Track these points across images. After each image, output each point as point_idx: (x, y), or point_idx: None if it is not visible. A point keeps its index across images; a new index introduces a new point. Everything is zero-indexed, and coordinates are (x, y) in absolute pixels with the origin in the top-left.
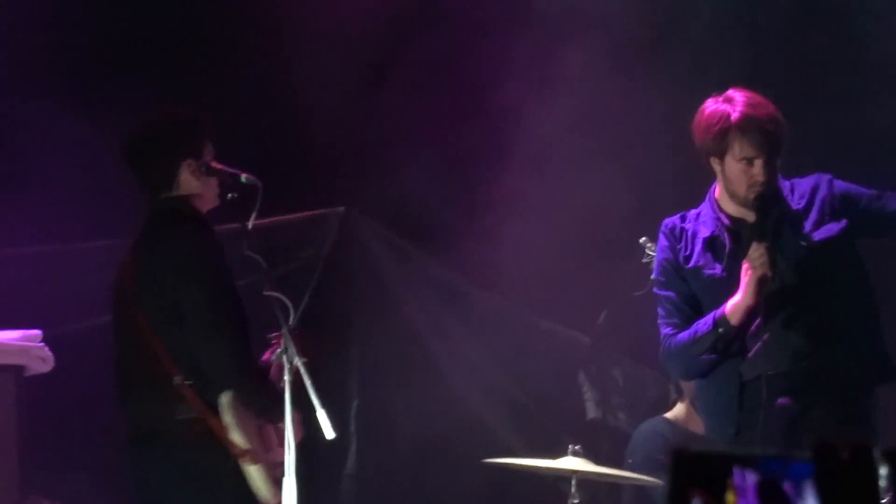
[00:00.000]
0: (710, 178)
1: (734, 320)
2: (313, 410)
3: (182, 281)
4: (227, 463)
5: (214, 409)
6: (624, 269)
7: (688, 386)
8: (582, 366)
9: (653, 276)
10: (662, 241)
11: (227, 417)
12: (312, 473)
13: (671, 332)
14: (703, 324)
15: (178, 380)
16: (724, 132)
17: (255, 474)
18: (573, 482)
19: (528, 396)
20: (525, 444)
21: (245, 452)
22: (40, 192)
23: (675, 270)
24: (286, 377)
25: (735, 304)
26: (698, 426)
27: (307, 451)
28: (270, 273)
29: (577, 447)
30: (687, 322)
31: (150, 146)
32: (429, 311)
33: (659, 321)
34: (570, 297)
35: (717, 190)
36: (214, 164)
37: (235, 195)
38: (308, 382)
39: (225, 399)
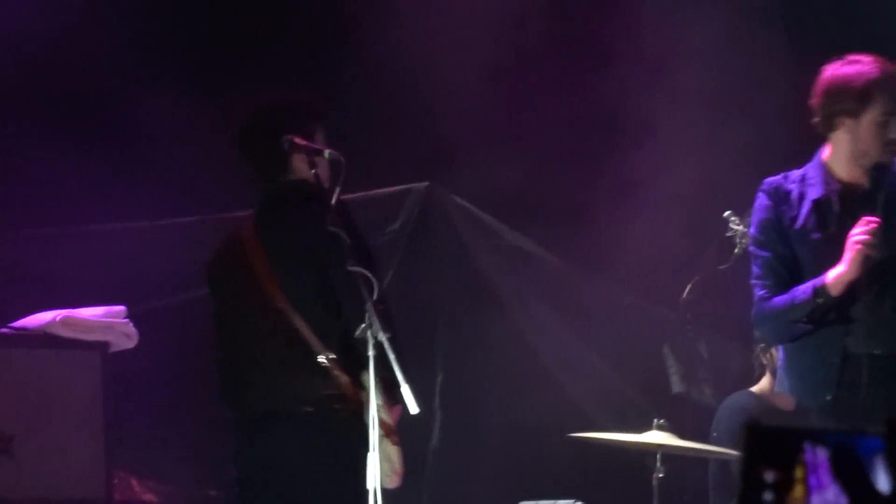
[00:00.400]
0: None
1: (834, 292)
2: (398, 385)
3: (330, 255)
4: (366, 441)
5: (360, 387)
6: (710, 243)
7: (772, 360)
8: (667, 340)
9: (750, 233)
10: (764, 199)
11: (376, 395)
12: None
13: (765, 294)
14: (802, 292)
15: (324, 356)
16: (867, 87)
17: (394, 455)
18: (658, 456)
19: (613, 371)
20: (610, 419)
21: (392, 431)
22: (136, 169)
23: (778, 231)
24: (370, 352)
25: (838, 276)
26: (783, 400)
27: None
28: (354, 249)
29: (661, 421)
30: (781, 285)
31: (259, 131)
32: (513, 287)
33: (753, 281)
34: (656, 272)
35: (828, 153)
36: (298, 140)
37: (318, 171)
38: (392, 357)
39: (371, 377)
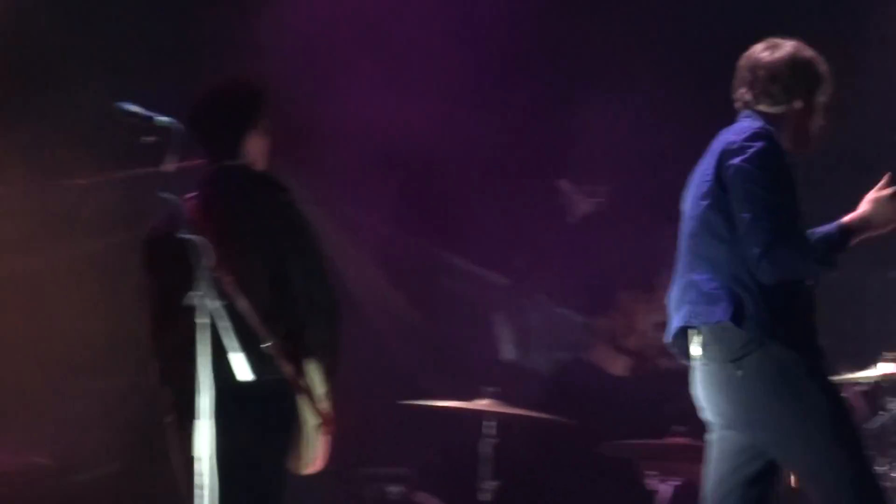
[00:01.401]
0: None
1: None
2: (227, 352)
3: (291, 238)
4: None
5: (303, 374)
6: (541, 210)
7: (605, 327)
8: (499, 307)
9: (768, 176)
10: (775, 146)
11: (318, 383)
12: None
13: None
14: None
15: (269, 342)
16: (825, 72)
17: (321, 445)
18: (489, 423)
19: (445, 338)
20: (442, 386)
21: (329, 420)
22: None
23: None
24: (202, 319)
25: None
26: (614, 367)
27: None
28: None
29: (492, 388)
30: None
31: (213, 113)
32: (346, 254)
33: (776, 221)
34: (488, 238)
35: (771, 127)
36: (130, 107)
37: (151, 138)
38: (224, 325)
39: (313, 365)
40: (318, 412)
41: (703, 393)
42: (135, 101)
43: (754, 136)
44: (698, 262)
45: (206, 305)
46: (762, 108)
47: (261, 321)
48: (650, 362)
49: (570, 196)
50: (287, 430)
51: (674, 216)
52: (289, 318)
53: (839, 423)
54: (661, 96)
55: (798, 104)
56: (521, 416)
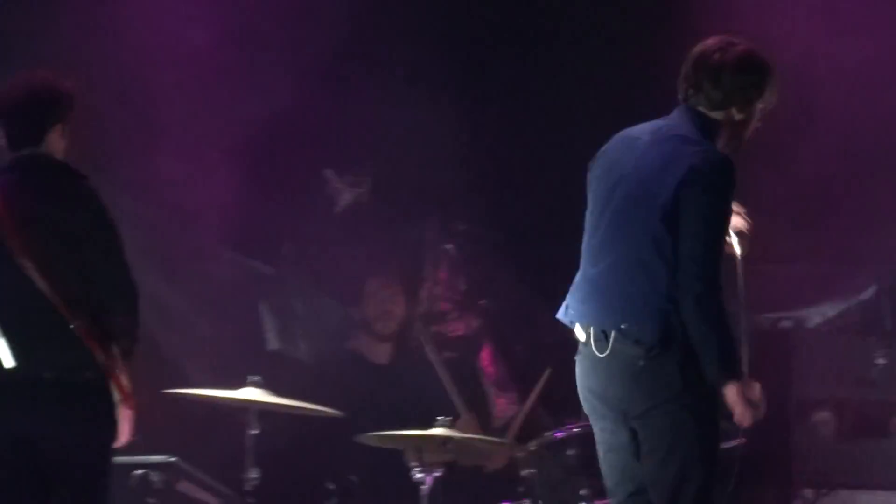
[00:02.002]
0: None
1: None
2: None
3: (92, 225)
4: (115, 404)
5: (109, 354)
6: (307, 199)
7: (372, 316)
8: (263, 296)
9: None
10: (734, 180)
11: (118, 362)
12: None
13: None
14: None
15: (77, 324)
16: (772, 76)
17: (126, 419)
18: (253, 413)
19: (209, 326)
20: (205, 375)
21: (130, 397)
22: None
23: None
24: None
25: None
26: (375, 354)
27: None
28: None
29: (256, 378)
30: None
31: (24, 103)
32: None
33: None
34: (253, 228)
35: (703, 127)
36: None
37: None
38: None
39: (118, 345)
40: (123, 389)
41: (597, 382)
42: None
43: (722, 169)
44: (635, 270)
45: None
46: (701, 108)
47: (66, 305)
48: (415, 353)
49: (334, 186)
50: (110, 414)
51: (434, 210)
52: (93, 302)
53: (714, 449)
54: (422, 89)
55: (737, 113)
56: (285, 405)
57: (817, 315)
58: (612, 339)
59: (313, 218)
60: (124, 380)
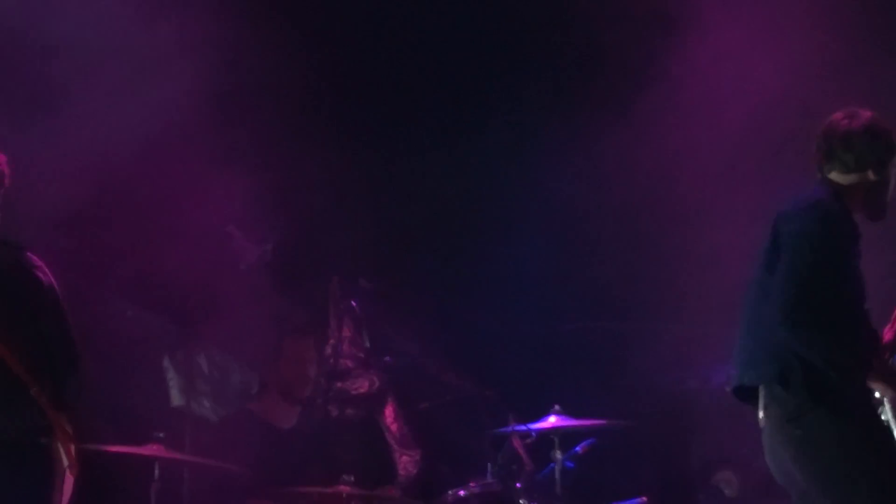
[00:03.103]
0: None
1: None
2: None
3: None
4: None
5: (62, 420)
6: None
7: (275, 376)
8: (167, 352)
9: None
10: (829, 220)
11: (69, 428)
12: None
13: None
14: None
15: (34, 390)
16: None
17: (71, 485)
18: (156, 468)
19: (115, 383)
20: (112, 430)
21: (76, 464)
22: None
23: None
24: None
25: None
26: (283, 418)
27: None
28: None
29: (160, 434)
30: None
31: None
32: None
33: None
34: (156, 283)
35: (840, 195)
36: None
37: None
38: None
39: (67, 413)
40: (71, 456)
41: (769, 457)
42: None
43: (809, 208)
44: (753, 321)
45: None
46: (833, 175)
47: (26, 371)
48: (319, 410)
49: (240, 243)
50: (57, 478)
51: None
52: (49, 369)
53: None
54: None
55: (871, 175)
56: (188, 461)
57: (721, 373)
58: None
59: (219, 274)
60: (73, 446)
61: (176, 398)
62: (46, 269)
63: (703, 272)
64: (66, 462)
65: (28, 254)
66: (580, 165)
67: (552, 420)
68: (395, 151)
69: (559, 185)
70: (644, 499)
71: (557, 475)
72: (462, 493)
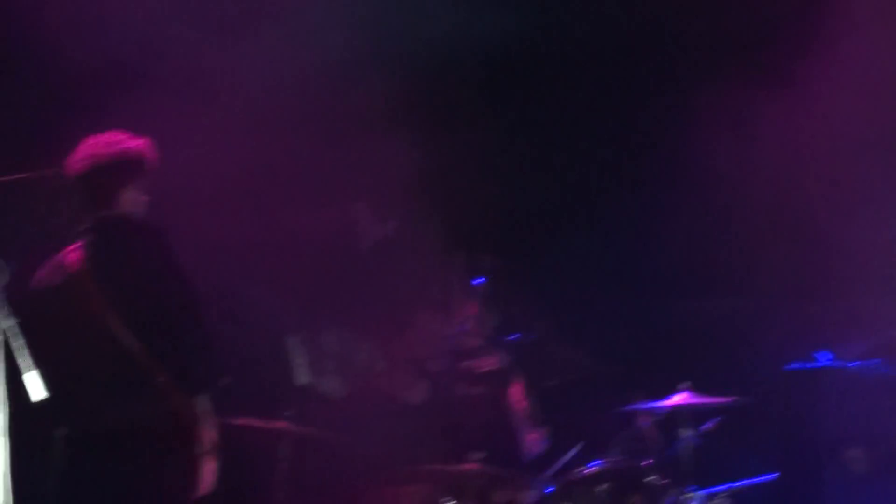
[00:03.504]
0: None
1: None
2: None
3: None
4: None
5: (189, 406)
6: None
7: (402, 353)
8: (293, 330)
9: None
10: None
11: (202, 414)
12: (25, 434)
13: None
14: None
15: (163, 378)
16: None
17: (212, 472)
18: (283, 445)
19: (241, 361)
20: (240, 408)
21: (213, 448)
22: None
23: None
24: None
25: None
26: (406, 392)
27: (19, 412)
28: None
29: (287, 412)
30: None
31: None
32: None
33: None
34: (283, 262)
35: None
36: None
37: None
38: (17, 344)
39: (199, 398)
40: (208, 442)
41: None
42: None
43: None
44: None
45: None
46: None
47: (152, 359)
48: (445, 389)
49: (365, 221)
50: (188, 460)
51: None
52: (178, 355)
53: None
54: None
55: None
56: (315, 439)
57: (851, 351)
58: None
59: (344, 253)
60: (209, 432)
61: (303, 376)
62: (178, 253)
63: (835, 249)
64: (203, 447)
65: (162, 237)
66: (729, 143)
67: (679, 398)
68: (529, 130)
69: (706, 161)
70: (773, 476)
71: (685, 453)
72: (589, 471)
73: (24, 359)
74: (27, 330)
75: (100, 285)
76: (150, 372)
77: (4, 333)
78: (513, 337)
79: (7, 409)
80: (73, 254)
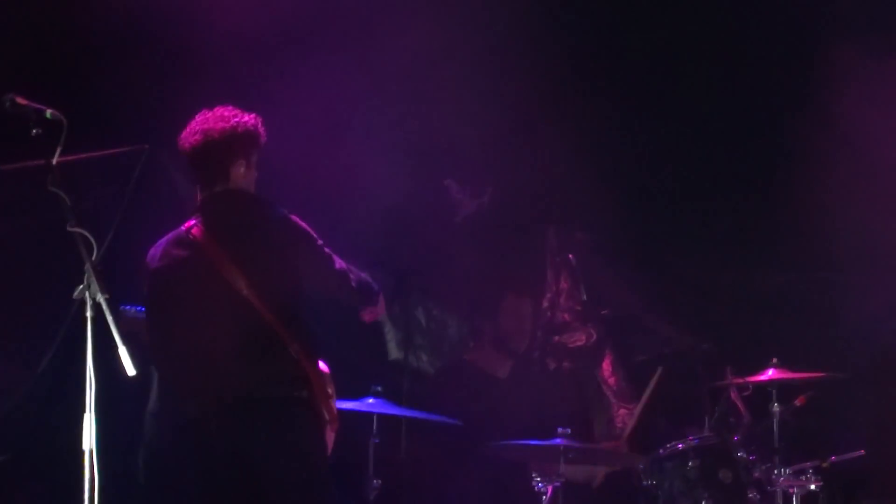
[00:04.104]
0: None
1: None
2: (116, 347)
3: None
4: (322, 424)
5: (319, 374)
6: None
7: (492, 330)
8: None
9: None
10: None
11: (328, 386)
12: (114, 410)
13: None
14: None
15: (294, 346)
16: None
17: (331, 440)
18: (374, 421)
19: (331, 336)
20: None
21: (335, 419)
22: None
23: None
24: (88, 313)
25: None
26: (496, 368)
27: (110, 388)
28: (75, 209)
29: (378, 388)
30: None
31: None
32: None
33: None
34: (374, 236)
35: None
36: (20, 100)
37: (40, 130)
38: (110, 318)
39: (324, 368)
40: (332, 411)
41: None
42: (24, 93)
43: None
44: None
45: (90, 298)
46: None
47: (285, 328)
48: (537, 364)
49: (455, 195)
50: (318, 429)
51: (553, 219)
52: (304, 325)
53: None
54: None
55: None
56: (404, 415)
57: None
58: None
59: (434, 227)
60: (332, 401)
61: (393, 351)
62: (300, 224)
63: None
64: (326, 417)
65: (280, 209)
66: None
67: (770, 373)
68: (618, 103)
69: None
70: (862, 452)
71: (776, 428)
72: (680, 446)
73: (116, 334)
74: (158, 305)
75: (230, 255)
76: (282, 340)
77: (97, 308)
78: (604, 312)
79: (95, 386)
80: (195, 228)
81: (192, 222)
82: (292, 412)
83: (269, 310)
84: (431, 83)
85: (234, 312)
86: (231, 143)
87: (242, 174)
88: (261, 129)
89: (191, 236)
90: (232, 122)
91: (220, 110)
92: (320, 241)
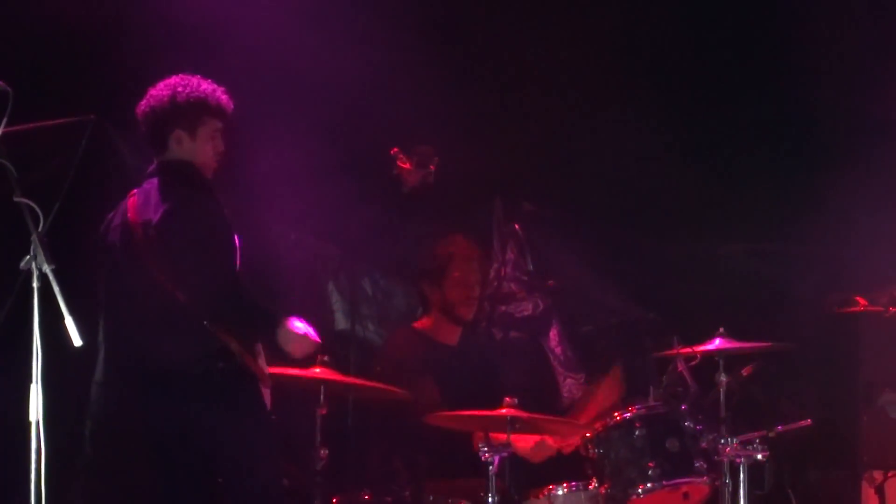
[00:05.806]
0: None
1: None
2: (62, 317)
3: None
4: (255, 387)
5: (245, 345)
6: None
7: (439, 297)
8: (331, 276)
9: None
10: None
11: (252, 348)
12: (60, 381)
13: None
14: None
15: (208, 320)
16: None
17: (267, 396)
18: (322, 392)
19: (277, 307)
20: (274, 354)
21: (266, 377)
22: None
23: None
24: (35, 284)
25: None
26: (445, 335)
27: (55, 359)
28: (21, 180)
29: (325, 358)
30: None
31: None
32: None
33: None
34: (320, 208)
35: None
36: None
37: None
38: (57, 289)
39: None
40: (260, 371)
41: None
42: None
43: None
44: None
45: (37, 269)
46: None
47: (197, 304)
48: (483, 334)
49: (401, 166)
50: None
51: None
52: (220, 301)
53: None
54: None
55: None
56: (354, 385)
57: (886, 296)
58: None
59: (380, 198)
60: (260, 362)
61: (340, 322)
62: (221, 206)
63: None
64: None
65: (206, 191)
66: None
67: (717, 342)
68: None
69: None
70: (808, 421)
71: (722, 398)
72: (627, 415)
73: (63, 304)
74: (99, 273)
75: (141, 230)
76: (193, 315)
77: (43, 279)
78: (550, 282)
79: (42, 357)
80: (131, 198)
81: (134, 191)
82: (208, 384)
83: (177, 287)
84: (379, 53)
85: (147, 286)
86: (169, 113)
87: (181, 145)
88: (219, 100)
89: (125, 206)
90: (176, 90)
91: (175, 78)
92: (216, 241)
